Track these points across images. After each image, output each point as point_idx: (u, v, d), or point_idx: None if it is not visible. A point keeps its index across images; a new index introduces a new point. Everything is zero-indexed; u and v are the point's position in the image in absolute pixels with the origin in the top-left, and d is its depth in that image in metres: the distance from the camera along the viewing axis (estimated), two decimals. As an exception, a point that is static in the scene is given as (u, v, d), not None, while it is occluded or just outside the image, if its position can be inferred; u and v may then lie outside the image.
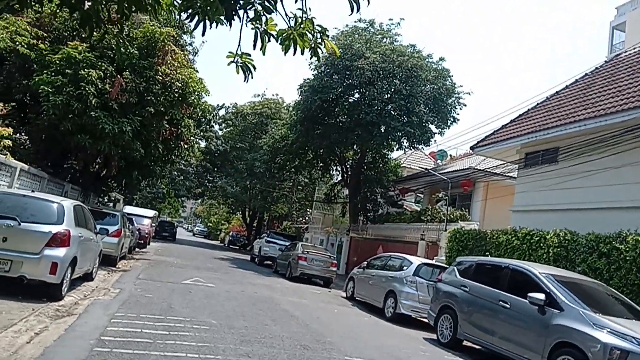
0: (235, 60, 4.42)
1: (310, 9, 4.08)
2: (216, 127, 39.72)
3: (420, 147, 26.88)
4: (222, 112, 39.07)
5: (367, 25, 24.84)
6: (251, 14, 4.07)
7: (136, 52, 13.36)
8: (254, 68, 4.48)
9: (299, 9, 4.07)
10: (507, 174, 18.86)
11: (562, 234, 11.10)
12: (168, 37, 14.09)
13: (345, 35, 23.90)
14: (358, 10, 4.12)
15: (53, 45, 12.85)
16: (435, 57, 24.42)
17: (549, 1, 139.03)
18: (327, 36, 4.37)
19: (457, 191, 20.51)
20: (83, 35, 13.37)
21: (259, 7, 4.03)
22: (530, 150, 15.21)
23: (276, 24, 4.34)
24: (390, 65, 22.25)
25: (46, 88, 11.74)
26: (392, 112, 23.19)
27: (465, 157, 29.88)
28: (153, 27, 13.95)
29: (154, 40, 13.76)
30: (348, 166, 28.63)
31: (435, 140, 25.06)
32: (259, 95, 40.49)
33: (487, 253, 12.01)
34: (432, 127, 24.13)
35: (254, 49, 4.39)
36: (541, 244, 11.65)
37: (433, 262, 13.26)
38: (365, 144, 24.37)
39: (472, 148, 16.99)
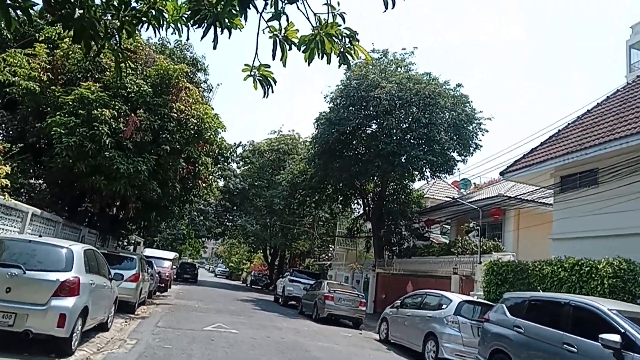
0: (252, 74, 3.84)
1: (339, 2, 3.48)
2: (234, 165, 39.60)
3: (443, 176, 26.02)
4: (239, 150, 38.96)
5: (380, 55, 24.65)
6: (267, 16, 3.48)
7: (150, 89, 13.11)
8: (274, 82, 3.90)
9: (325, 3, 3.47)
10: (539, 201, 17.88)
11: (617, 263, 10.05)
12: (182, 73, 13.85)
13: (359, 67, 23.64)
14: (393, 6, 3.52)
15: (66, 87, 12.66)
16: (452, 83, 23.97)
17: (560, 28, 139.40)
18: (357, 40, 3.76)
19: (486, 221, 19.49)
20: (94, 74, 13.26)
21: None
22: (566, 173, 14.30)
23: (297, 30, 3.77)
24: (408, 94, 21.79)
25: (59, 130, 11.45)
26: (412, 141, 22.59)
27: (490, 185, 28.91)
28: (166, 64, 13.75)
29: (168, 77, 13.52)
30: (369, 199, 27.82)
31: (458, 169, 24.21)
32: (275, 131, 40.44)
33: (538, 288, 10.94)
34: (455, 155, 23.38)
35: (274, 59, 3.83)
36: (593, 275, 10.58)
37: (475, 299, 12.20)
38: (386, 174, 23.65)
39: (502, 174, 16.12)
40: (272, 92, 3.89)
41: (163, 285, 21.79)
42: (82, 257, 7.35)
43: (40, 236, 8.06)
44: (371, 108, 22.24)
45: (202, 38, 3.47)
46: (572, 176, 14.11)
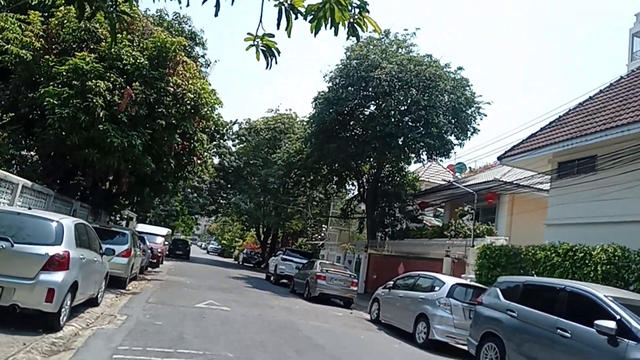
0: (255, 43, 3.63)
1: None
2: (229, 143, 39.24)
3: (439, 159, 25.95)
4: (235, 127, 38.60)
5: (382, 35, 24.19)
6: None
7: (146, 62, 12.75)
8: (278, 52, 3.69)
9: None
10: (535, 186, 17.84)
11: (611, 250, 10.06)
12: (179, 46, 13.48)
13: (360, 46, 23.24)
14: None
15: (61, 57, 12.28)
16: (453, 66, 23.67)
17: (563, 14, 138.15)
18: (367, 11, 3.56)
19: (480, 205, 19.46)
20: (89, 44, 12.88)
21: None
22: (564, 159, 14.21)
23: (304, -3, 3.55)
24: (408, 75, 21.49)
25: (52, 100, 11.13)
26: (410, 123, 22.37)
27: (486, 170, 28.88)
28: (164, 37, 13.36)
29: (165, 50, 13.13)
30: (364, 180, 27.73)
31: (455, 152, 24.11)
32: (272, 110, 40.03)
33: (533, 273, 10.93)
34: (452, 138, 23.24)
35: (278, 29, 3.62)
36: (586, 261, 10.60)
37: (468, 282, 12.20)
38: (383, 156, 23.50)
39: (499, 158, 16.01)
40: (276, 63, 3.69)
41: (155, 261, 21.73)
42: (72, 231, 7.17)
43: (29, 209, 7.86)
44: (370, 89, 21.93)
45: (203, 2, 3.24)
46: (571, 162, 14.03)
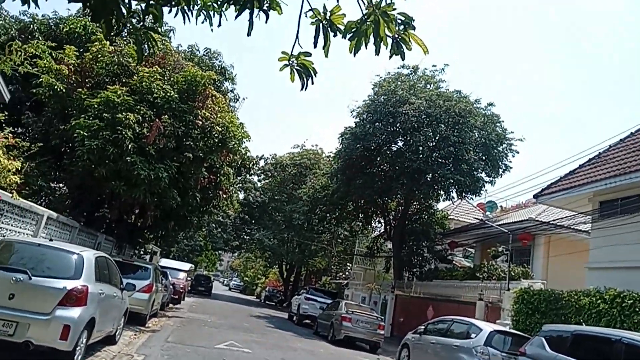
0: (290, 63, 3.35)
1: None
2: (255, 178, 39.28)
3: (470, 197, 25.10)
4: (261, 162, 38.68)
5: (410, 71, 24.14)
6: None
7: (176, 95, 12.83)
8: (315, 72, 3.39)
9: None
10: (574, 227, 16.95)
11: (664, 297, 9.21)
12: (209, 80, 13.57)
13: (388, 82, 23.20)
14: None
15: (93, 90, 12.47)
16: (483, 102, 23.28)
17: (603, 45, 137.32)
18: (413, 27, 3.24)
19: (514, 246, 18.58)
20: (121, 78, 13.06)
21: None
22: (606, 198, 13.46)
23: (344, 14, 3.28)
24: (437, 110, 21.16)
25: (82, 132, 11.20)
26: (439, 159, 21.86)
27: (518, 209, 27.85)
28: (194, 71, 13.49)
29: (195, 84, 13.23)
30: (391, 218, 27.06)
31: (486, 190, 23.29)
32: (298, 146, 40.07)
33: (582, 321, 10.10)
34: (483, 175, 22.56)
35: (315, 47, 3.33)
36: (636, 309, 9.75)
37: (507, 329, 11.35)
38: (411, 193, 22.90)
39: (536, 196, 15.33)
40: (312, 83, 3.39)
41: (177, 297, 21.33)
42: (92, 264, 6.90)
43: (50, 240, 7.67)
44: (398, 124, 21.67)
45: (236, 17, 3.00)
46: (613, 202, 13.28)
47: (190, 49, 18.70)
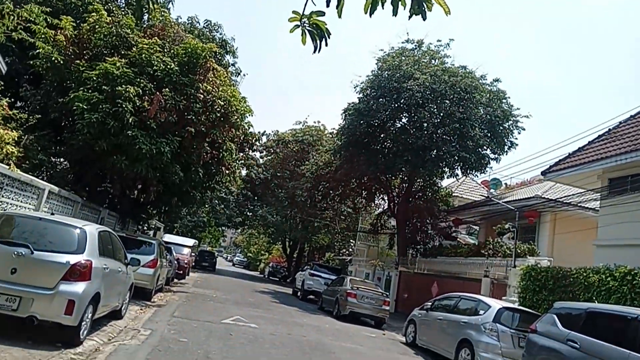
0: (302, 23, 3.10)
1: None
2: (257, 154, 39.01)
3: (474, 174, 24.85)
4: (263, 139, 38.32)
5: (415, 46, 23.62)
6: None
7: (177, 68, 12.51)
8: (329, 33, 3.15)
9: None
10: (580, 204, 16.76)
11: (677, 274, 9.08)
12: (210, 53, 13.20)
13: (392, 57, 22.70)
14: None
15: (91, 62, 12.15)
16: (489, 78, 22.83)
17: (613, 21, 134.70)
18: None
19: (519, 223, 18.44)
20: (120, 50, 12.73)
21: None
22: (616, 175, 13.24)
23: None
24: (442, 86, 20.75)
25: (81, 105, 10.95)
26: (444, 136, 21.56)
27: (524, 186, 27.64)
28: (195, 43, 13.12)
29: (196, 57, 12.87)
30: (395, 195, 26.89)
31: (491, 167, 23.01)
32: (300, 122, 39.66)
33: (593, 299, 10.00)
34: (488, 152, 22.28)
35: (328, 6, 3.07)
36: (647, 286, 9.63)
37: (516, 306, 11.27)
38: (415, 170, 22.66)
39: (543, 173, 15.08)
40: (326, 45, 3.15)
41: (181, 272, 21.40)
42: (96, 239, 6.76)
43: (52, 214, 7.52)
44: (402, 100, 21.28)
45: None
46: (623, 179, 13.06)
47: (190, 21, 18.23)
